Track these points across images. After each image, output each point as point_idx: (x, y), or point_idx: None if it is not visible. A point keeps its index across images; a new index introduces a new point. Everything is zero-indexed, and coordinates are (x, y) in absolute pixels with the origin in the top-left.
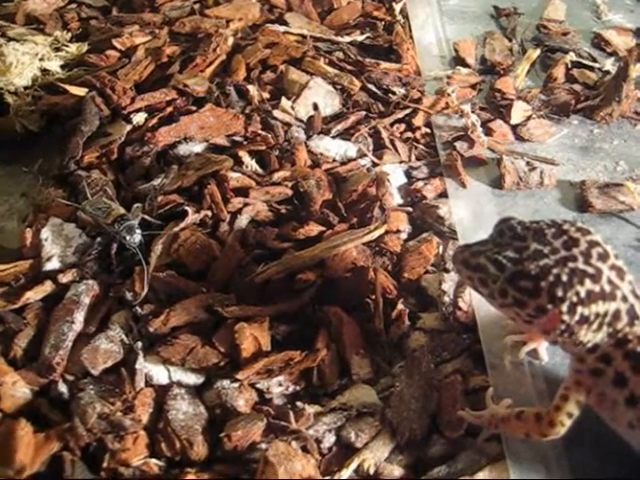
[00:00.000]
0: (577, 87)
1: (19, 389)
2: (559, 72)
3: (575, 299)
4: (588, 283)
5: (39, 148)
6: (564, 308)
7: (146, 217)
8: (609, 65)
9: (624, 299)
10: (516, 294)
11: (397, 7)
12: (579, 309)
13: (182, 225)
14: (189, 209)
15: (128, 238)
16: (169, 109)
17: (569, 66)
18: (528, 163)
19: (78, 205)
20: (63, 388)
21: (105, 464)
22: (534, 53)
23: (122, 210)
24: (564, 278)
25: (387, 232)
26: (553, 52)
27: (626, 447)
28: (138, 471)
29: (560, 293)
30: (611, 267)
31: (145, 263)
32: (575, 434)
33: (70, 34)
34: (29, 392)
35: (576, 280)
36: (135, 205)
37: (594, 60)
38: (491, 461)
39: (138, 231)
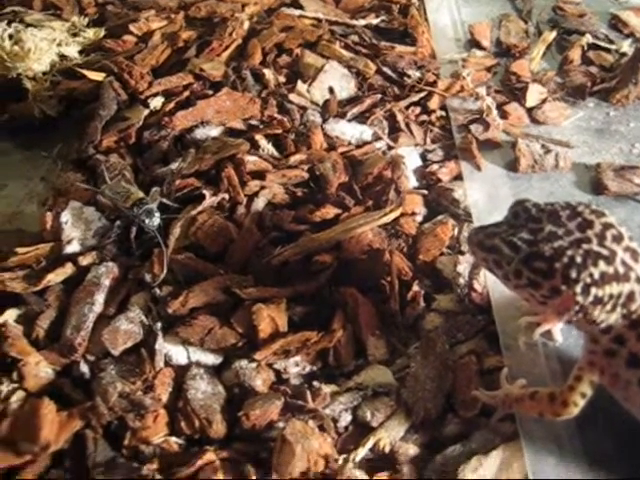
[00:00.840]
0: (593, 69)
1: (42, 369)
2: (575, 54)
3: (589, 280)
4: (602, 265)
5: (57, 133)
6: (578, 289)
7: (164, 200)
8: (626, 47)
9: (638, 280)
10: (530, 275)
11: None
12: (593, 290)
13: (200, 208)
14: (207, 192)
15: (147, 221)
16: (186, 93)
17: (585, 48)
18: (543, 146)
19: (97, 189)
20: (84, 368)
21: (126, 442)
22: (550, 35)
23: (141, 194)
24: (578, 259)
25: (402, 214)
26: (569, 34)
27: (639, 427)
28: (158, 449)
29: (574, 274)
30: (625, 249)
31: (164, 246)
32: (588, 414)
33: (87, 19)
34: (51, 372)
35: (590, 261)
36: (153, 189)
37: (611, 42)
38: (505, 440)
39: (157, 214)
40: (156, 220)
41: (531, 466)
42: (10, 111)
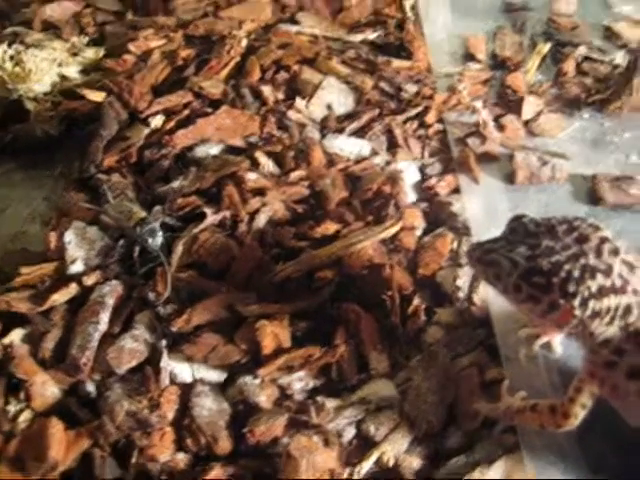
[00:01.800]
0: (588, 81)
1: (48, 388)
2: (569, 66)
3: (587, 294)
4: (599, 278)
5: (60, 152)
6: (576, 303)
7: (166, 220)
8: (620, 58)
9: (635, 293)
10: (529, 290)
11: (407, 4)
12: (591, 303)
13: (202, 226)
14: (208, 211)
15: (150, 241)
16: (186, 112)
17: (579, 60)
18: (540, 158)
19: (100, 209)
20: (90, 387)
21: (134, 460)
22: (544, 47)
23: (143, 213)
24: (576, 273)
25: (402, 229)
26: (563, 46)
27: (639, 437)
28: (165, 466)
29: (572, 288)
30: (622, 262)
31: (167, 264)
32: (589, 425)
33: (87, 39)
34: (58, 391)
35: (587, 275)
36: (156, 208)
37: (604, 53)
38: (507, 451)
39: (159, 234)
40: (159, 239)
41: (535, 476)
42: (13, 131)
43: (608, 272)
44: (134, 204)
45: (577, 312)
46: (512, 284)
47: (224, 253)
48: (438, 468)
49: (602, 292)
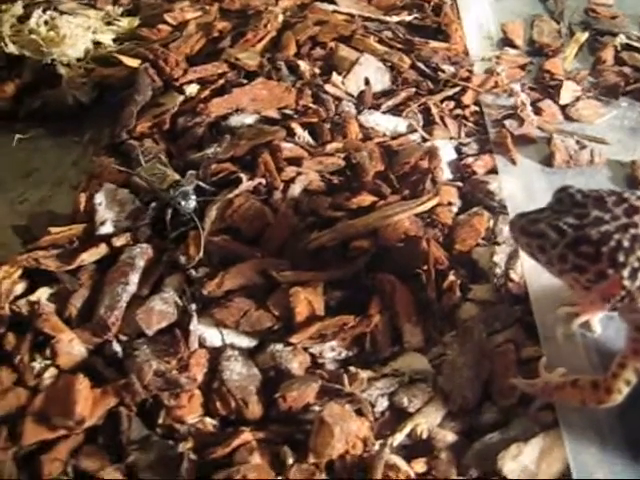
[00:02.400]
0: (626, 69)
1: (75, 346)
2: (608, 55)
3: (637, 264)
4: None
5: (89, 120)
6: (625, 273)
7: (200, 183)
8: None
9: None
10: (576, 259)
11: None
12: None
13: (237, 191)
14: (243, 176)
15: (183, 203)
16: (221, 81)
17: (618, 49)
18: (578, 142)
19: (132, 171)
20: (117, 347)
21: (160, 420)
22: (582, 36)
23: (177, 176)
24: (626, 244)
25: (439, 204)
26: (602, 35)
27: None
28: (193, 428)
29: (622, 258)
30: None
31: (200, 227)
32: (629, 403)
33: (121, 9)
34: (84, 350)
35: (638, 246)
36: (189, 172)
37: None
38: (544, 429)
39: (193, 197)
40: (192, 202)
41: (572, 454)
42: (43, 97)
43: None
44: (168, 167)
45: (626, 283)
46: (558, 254)
47: (258, 219)
48: (472, 443)
49: None
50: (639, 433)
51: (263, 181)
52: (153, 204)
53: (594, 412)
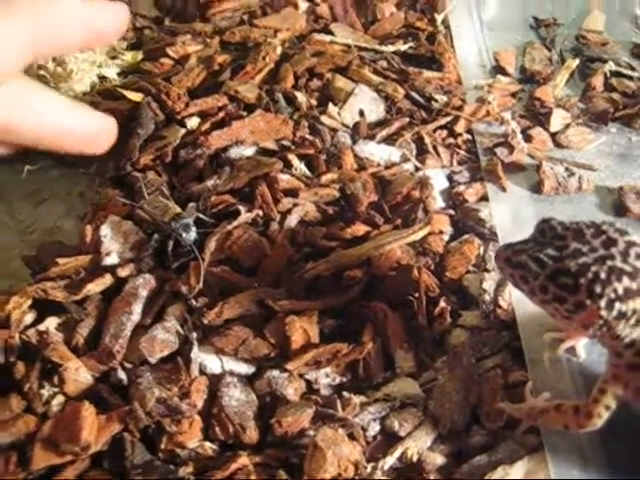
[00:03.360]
0: (616, 96)
1: (81, 374)
2: (598, 81)
3: (613, 295)
4: (626, 280)
5: None
6: (602, 304)
7: (200, 215)
8: None
9: None
10: (556, 290)
11: (439, 18)
12: (617, 305)
13: (236, 223)
14: (242, 208)
15: (184, 235)
16: (221, 114)
17: (608, 75)
18: (567, 169)
19: (136, 204)
20: (122, 375)
21: (163, 445)
22: (573, 63)
23: (178, 209)
24: (602, 275)
25: (430, 233)
26: (592, 62)
27: None
28: (193, 453)
29: (599, 289)
30: None
31: (200, 258)
32: (611, 427)
33: (125, 43)
34: (90, 378)
35: (614, 277)
36: (190, 204)
37: (633, 69)
38: (530, 452)
39: (193, 229)
40: (193, 234)
41: (555, 476)
42: None
43: (634, 275)
44: (169, 200)
45: (603, 313)
46: (539, 285)
47: (256, 250)
48: (461, 466)
49: (628, 294)
50: (620, 456)
51: (261, 213)
52: (156, 236)
53: (577, 436)
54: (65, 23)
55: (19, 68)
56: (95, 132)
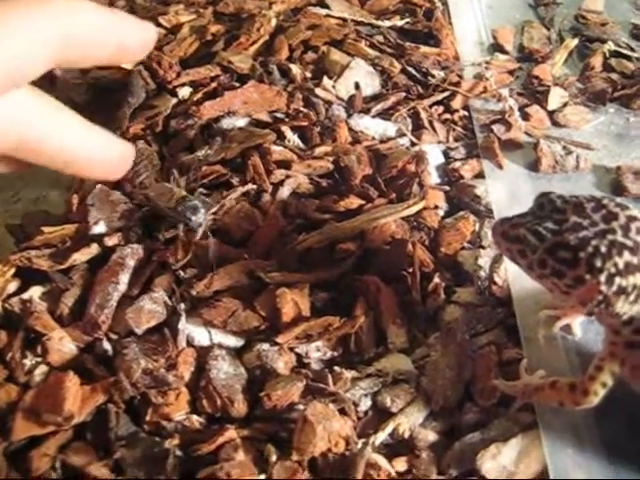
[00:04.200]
0: (614, 76)
1: (65, 344)
2: (596, 61)
3: (613, 270)
4: (626, 255)
5: None
6: (602, 278)
7: (205, 199)
8: None
9: None
10: (555, 264)
11: None
12: (617, 280)
13: (233, 196)
14: (235, 181)
15: (193, 218)
16: (213, 84)
17: (607, 55)
18: (564, 147)
19: (142, 191)
20: (107, 345)
21: (148, 417)
22: (572, 42)
23: (183, 192)
24: (603, 249)
25: (425, 208)
26: (591, 42)
27: None
28: (180, 425)
29: (599, 263)
30: None
31: (212, 237)
32: (606, 405)
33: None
34: (75, 348)
35: (615, 252)
36: (198, 190)
37: (632, 50)
38: (523, 429)
39: (202, 210)
40: (201, 216)
41: (549, 455)
42: None
43: (635, 250)
44: (173, 185)
45: (603, 288)
46: (537, 258)
47: (247, 221)
48: (453, 443)
49: (629, 269)
50: (615, 435)
51: (254, 187)
52: (145, 208)
53: (572, 414)
54: (99, 34)
55: (42, 72)
56: (116, 158)
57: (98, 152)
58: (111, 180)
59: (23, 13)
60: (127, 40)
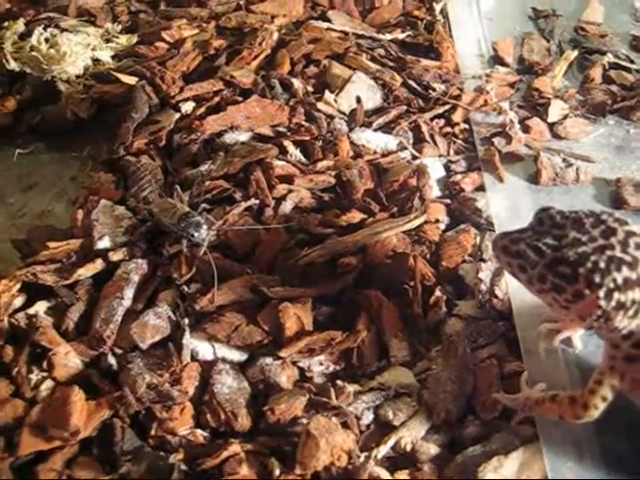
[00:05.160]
0: (614, 88)
1: (71, 359)
2: (596, 73)
3: (612, 285)
4: (625, 270)
5: (88, 135)
6: (601, 293)
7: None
8: None
9: None
10: (555, 279)
11: (437, 7)
12: (616, 295)
13: (236, 211)
14: (237, 196)
15: (196, 235)
16: (216, 99)
17: (606, 67)
18: (564, 160)
19: (146, 207)
20: (112, 360)
21: (153, 432)
22: (572, 54)
23: (186, 208)
24: (602, 265)
25: (426, 222)
26: (590, 54)
27: None
28: (184, 440)
29: (598, 279)
30: None
31: (210, 257)
32: (606, 418)
33: (120, 26)
34: (80, 363)
35: (613, 267)
36: (201, 206)
37: (631, 62)
38: (524, 442)
39: (204, 226)
40: (204, 232)
41: (550, 467)
42: (43, 112)
43: (634, 265)
44: (176, 201)
45: (602, 303)
46: (537, 274)
47: (250, 236)
48: (455, 456)
49: (627, 284)
50: (615, 447)
51: (257, 202)
52: (148, 223)
53: (572, 427)
54: None
55: None
56: None
57: None
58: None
59: None
60: None
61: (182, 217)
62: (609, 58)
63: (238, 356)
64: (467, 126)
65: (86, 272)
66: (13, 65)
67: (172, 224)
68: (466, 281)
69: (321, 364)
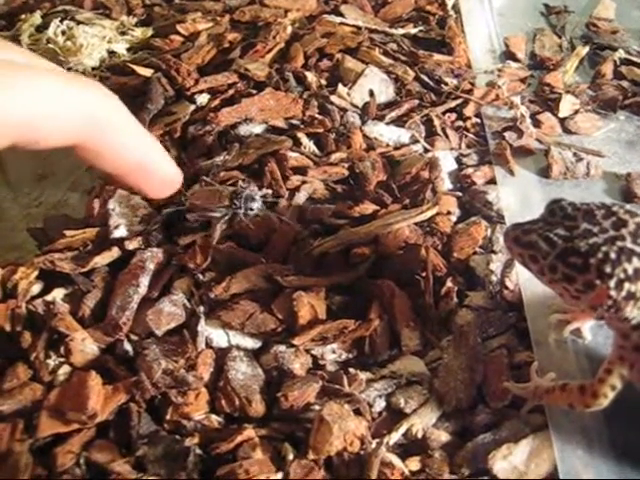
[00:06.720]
0: (625, 84)
1: (87, 345)
2: (607, 69)
3: (622, 276)
4: (635, 261)
5: None
6: (612, 284)
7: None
8: None
9: None
10: (566, 270)
11: (449, 2)
12: (626, 285)
13: (256, 205)
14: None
15: (255, 205)
16: (231, 91)
17: (617, 63)
18: (575, 154)
19: (186, 196)
20: (128, 346)
21: (168, 416)
22: (583, 50)
23: (231, 188)
24: (612, 256)
25: (438, 213)
26: (602, 49)
27: None
28: (199, 424)
29: (608, 269)
30: None
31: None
32: (616, 407)
33: (135, 19)
34: (96, 349)
35: (624, 258)
36: (245, 182)
37: None
38: (534, 430)
39: (258, 195)
40: (258, 203)
41: (560, 455)
42: None
43: None
44: (213, 186)
45: (612, 293)
46: (548, 264)
47: (264, 226)
48: (465, 443)
49: (638, 275)
50: (624, 436)
51: (270, 192)
52: (165, 210)
53: (582, 416)
54: (125, 138)
55: (60, 142)
56: (170, 178)
57: (159, 169)
58: (155, 198)
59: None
60: (150, 164)
61: (233, 196)
62: (620, 54)
63: (252, 343)
64: (479, 120)
65: (102, 260)
66: None
67: (223, 207)
68: (477, 272)
69: (334, 352)
